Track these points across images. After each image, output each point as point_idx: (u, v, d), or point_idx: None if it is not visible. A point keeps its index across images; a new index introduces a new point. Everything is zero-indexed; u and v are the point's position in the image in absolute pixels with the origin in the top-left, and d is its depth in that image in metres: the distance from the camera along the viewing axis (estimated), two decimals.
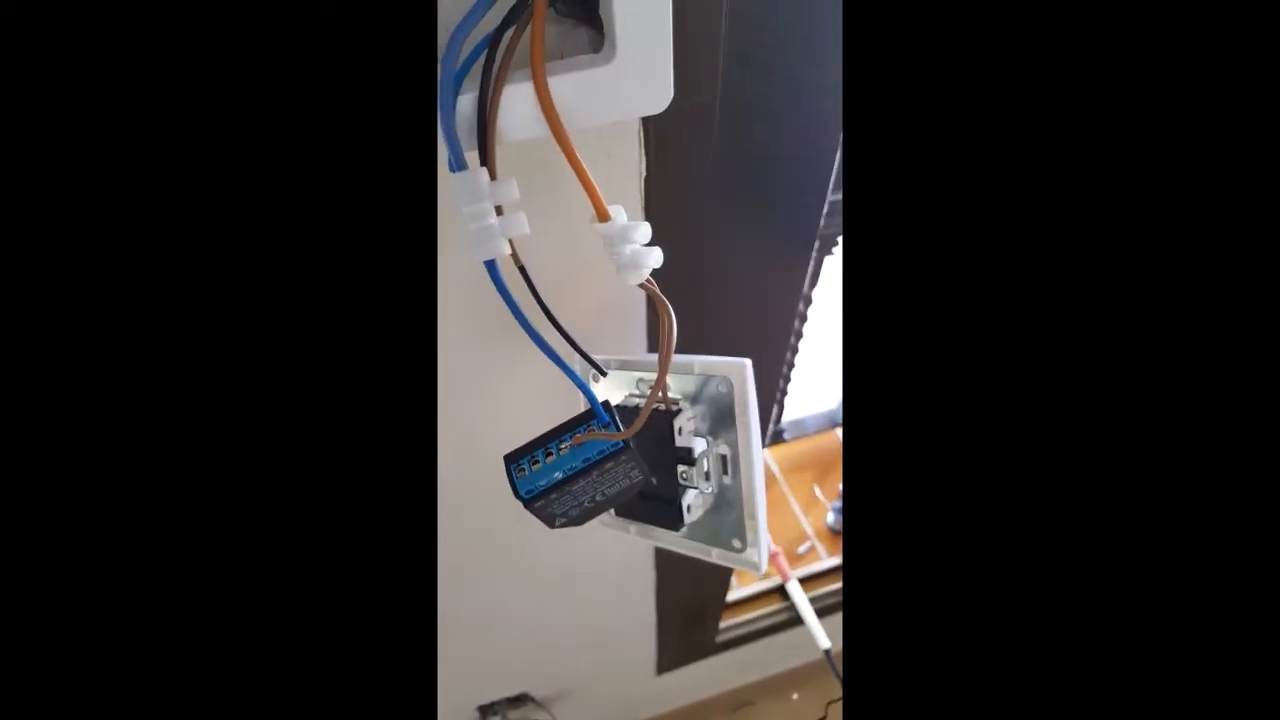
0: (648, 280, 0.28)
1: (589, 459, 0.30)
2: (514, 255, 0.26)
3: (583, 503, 0.31)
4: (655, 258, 0.28)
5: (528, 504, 0.30)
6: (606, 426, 0.30)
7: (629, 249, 0.27)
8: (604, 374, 0.35)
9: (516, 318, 0.26)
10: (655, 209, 0.38)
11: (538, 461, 0.30)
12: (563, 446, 0.30)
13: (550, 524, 0.31)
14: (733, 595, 1.11)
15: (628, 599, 0.82)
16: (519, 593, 0.68)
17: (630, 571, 0.76)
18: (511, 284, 0.26)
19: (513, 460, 0.30)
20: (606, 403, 0.31)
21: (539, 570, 0.68)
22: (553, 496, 0.30)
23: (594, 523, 0.34)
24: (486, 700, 0.90)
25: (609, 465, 0.30)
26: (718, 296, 0.45)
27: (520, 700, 0.90)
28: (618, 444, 0.30)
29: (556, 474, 0.29)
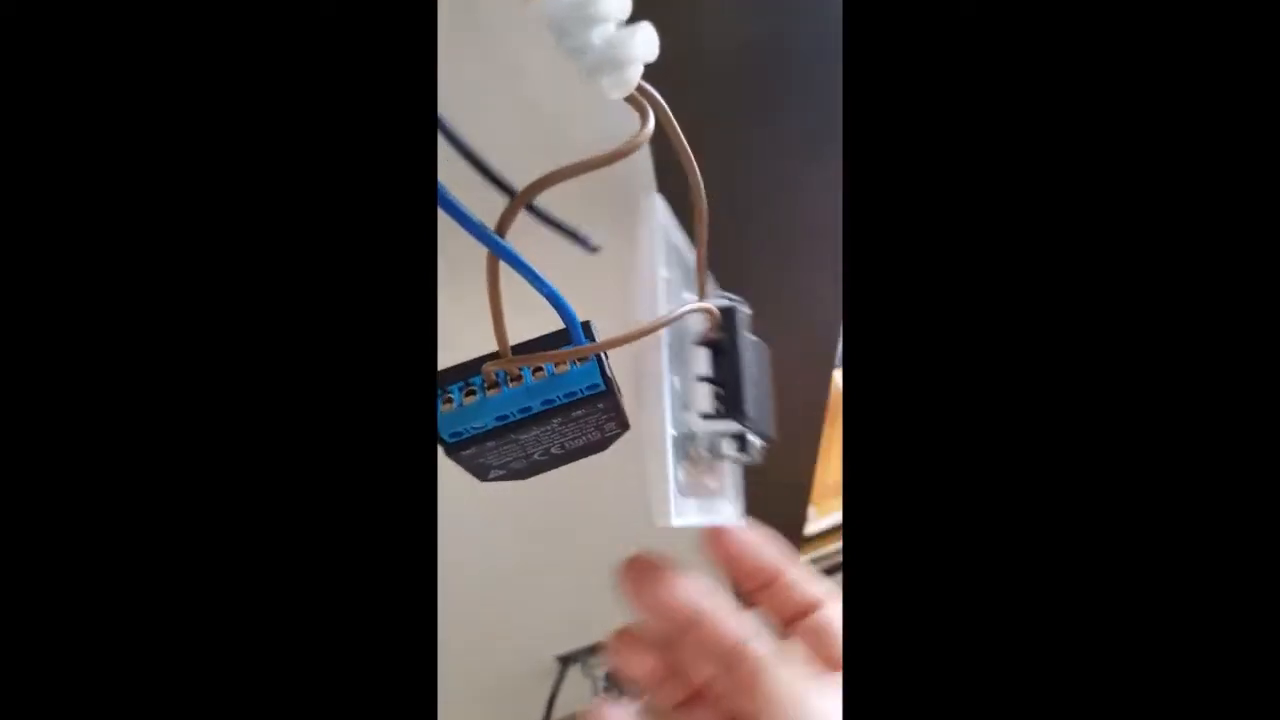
0: (642, 91, 0.17)
1: (552, 401, 0.20)
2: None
3: (532, 455, 0.22)
4: (645, 43, 0.16)
5: (451, 451, 0.20)
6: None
7: (597, 34, 0.16)
8: (594, 250, 0.25)
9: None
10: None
11: (473, 392, 0.20)
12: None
13: (481, 476, 0.22)
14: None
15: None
16: (593, 541, 0.65)
17: None
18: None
19: (442, 383, 0.21)
20: (587, 324, 0.20)
21: (610, 518, 0.63)
22: (489, 444, 0.21)
23: None
24: (565, 650, 0.88)
25: (578, 413, 0.21)
26: (752, 199, 0.37)
27: (599, 648, 0.88)
28: (597, 385, 0.21)
29: (499, 415, 0.20)
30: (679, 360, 0.25)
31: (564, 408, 0.21)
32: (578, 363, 0.21)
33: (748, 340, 0.26)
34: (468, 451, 0.21)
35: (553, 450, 0.23)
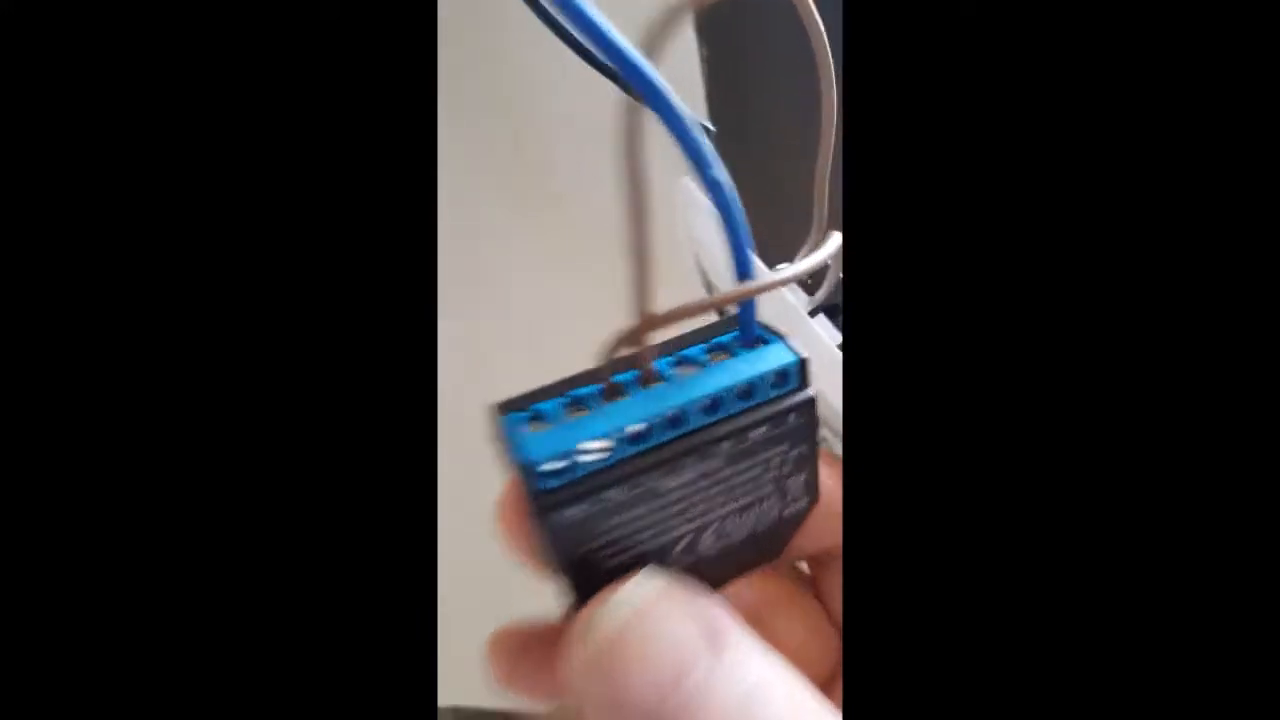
0: None
1: (717, 397, 0.12)
2: None
3: (670, 530, 0.13)
4: None
5: (540, 511, 0.12)
6: (757, 344, 0.13)
7: None
8: (711, 130, 0.17)
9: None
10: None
11: (583, 406, 0.12)
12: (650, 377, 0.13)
13: (564, 563, 0.13)
14: None
15: None
16: None
17: None
18: None
19: (514, 409, 0.13)
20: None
21: None
22: (611, 493, 0.12)
23: None
24: None
25: (759, 433, 0.13)
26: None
27: None
28: (790, 380, 0.13)
29: (630, 426, 0.12)
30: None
31: (739, 424, 0.13)
32: (750, 346, 0.13)
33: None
34: (572, 511, 0.12)
35: (709, 531, 0.14)
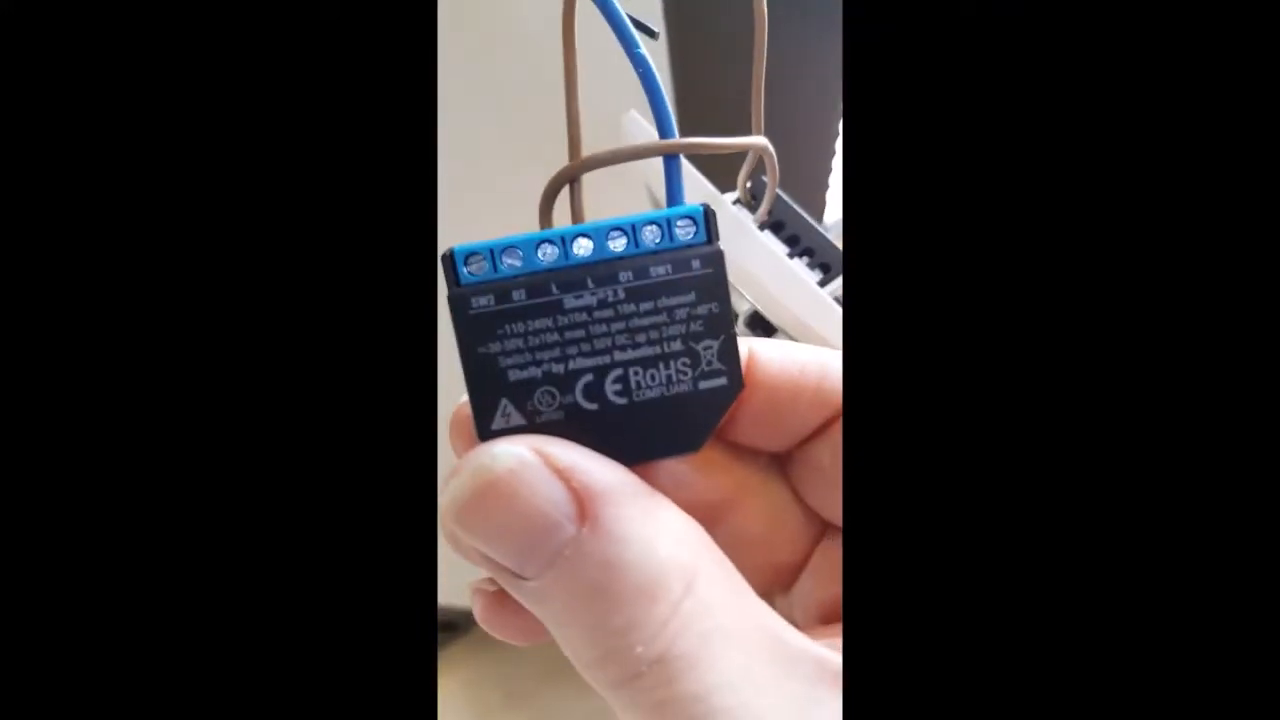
0: None
1: (619, 255, 0.14)
2: None
3: (577, 365, 0.14)
4: None
5: (456, 302, 0.14)
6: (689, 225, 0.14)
7: None
8: (654, 35, 0.17)
9: None
10: None
11: (518, 254, 0.14)
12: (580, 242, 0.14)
13: (497, 383, 0.14)
14: None
15: None
16: None
17: None
18: None
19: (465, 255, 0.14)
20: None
21: None
22: (515, 299, 0.14)
23: None
24: None
25: (660, 273, 0.14)
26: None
27: None
28: (697, 229, 0.14)
29: (544, 243, 0.14)
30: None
31: (639, 259, 0.14)
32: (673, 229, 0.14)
33: (785, 203, 0.26)
34: (482, 300, 0.14)
35: (611, 375, 0.14)
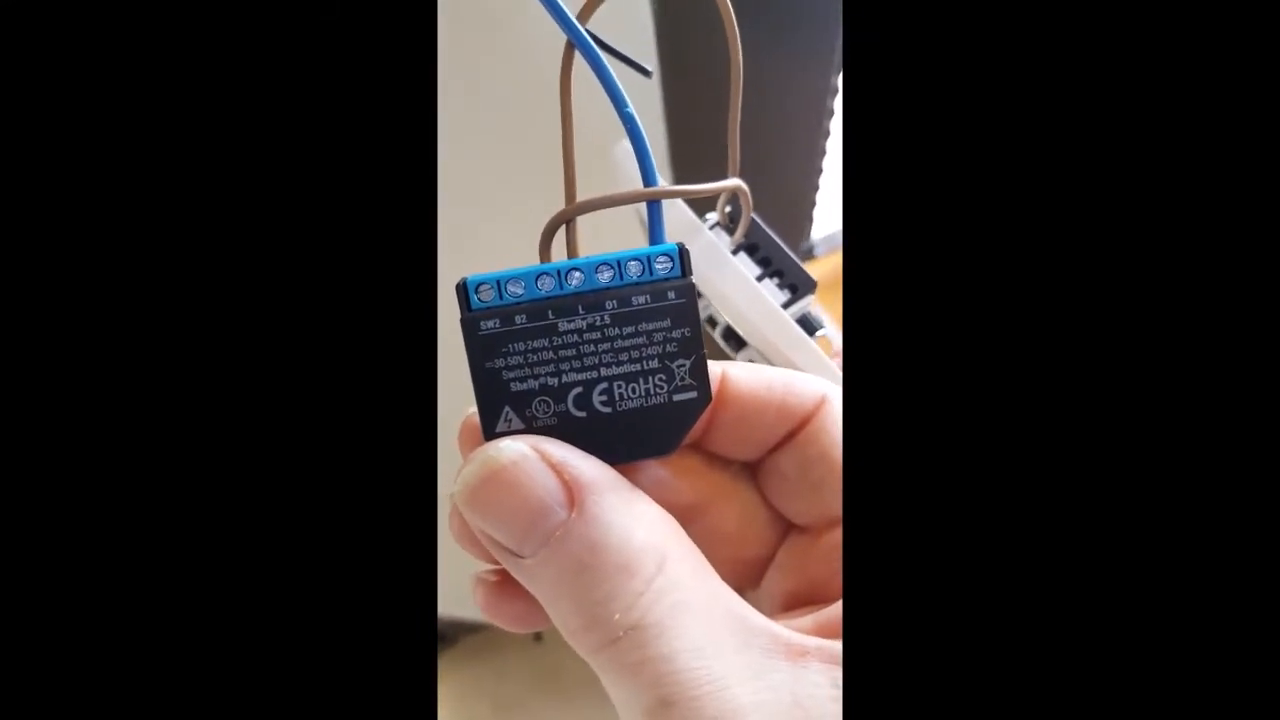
0: None
1: (606, 286, 0.16)
2: None
3: (569, 381, 0.16)
4: None
5: (468, 323, 0.16)
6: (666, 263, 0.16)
7: None
8: (648, 74, 0.20)
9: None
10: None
11: (521, 284, 0.16)
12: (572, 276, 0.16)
13: (499, 395, 0.16)
14: None
15: None
16: None
17: None
18: None
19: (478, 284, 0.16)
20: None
21: None
22: (518, 322, 0.16)
23: None
24: None
25: (640, 302, 0.16)
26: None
27: None
28: (673, 265, 0.16)
29: (542, 276, 0.16)
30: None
31: (623, 290, 0.16)
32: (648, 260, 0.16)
33: (760, 228, 0.29)
34: (489, 324, 0.16)
35: (600, 373, 0.16)
